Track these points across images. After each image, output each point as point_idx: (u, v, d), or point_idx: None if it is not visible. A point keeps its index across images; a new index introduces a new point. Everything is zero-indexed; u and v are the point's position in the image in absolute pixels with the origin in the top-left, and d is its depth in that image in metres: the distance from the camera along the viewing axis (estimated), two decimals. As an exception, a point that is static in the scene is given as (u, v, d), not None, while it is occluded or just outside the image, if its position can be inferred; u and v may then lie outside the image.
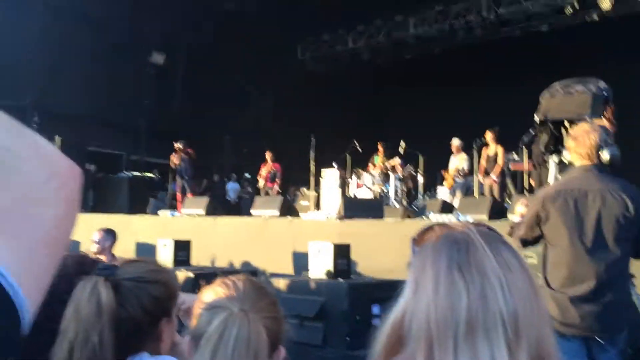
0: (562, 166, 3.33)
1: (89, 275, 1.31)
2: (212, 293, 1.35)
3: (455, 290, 0.85)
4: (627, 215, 3.02)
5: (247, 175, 16.86)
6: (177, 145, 12.15)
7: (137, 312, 1.32)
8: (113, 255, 5.03)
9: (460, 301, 0.84)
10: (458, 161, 10.95)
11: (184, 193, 11.95)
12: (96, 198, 12.45)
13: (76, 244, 9.31)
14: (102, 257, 4.92)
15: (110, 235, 5.02)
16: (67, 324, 1.25)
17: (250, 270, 6.91)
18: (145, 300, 1.34)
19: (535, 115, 4.11)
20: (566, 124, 3.85)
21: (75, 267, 1.59)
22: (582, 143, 3.13)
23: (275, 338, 1.28)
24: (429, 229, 0.98)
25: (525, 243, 3.35)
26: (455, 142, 11.04)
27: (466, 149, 10.94)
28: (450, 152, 11.36)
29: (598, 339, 3.07)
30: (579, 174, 3.13)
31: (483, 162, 10.18)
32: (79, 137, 13.18)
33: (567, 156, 3.28)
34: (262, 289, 1.37)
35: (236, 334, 1.19)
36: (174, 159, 12.07)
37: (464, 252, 0.88)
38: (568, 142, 3.21)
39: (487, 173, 10.08)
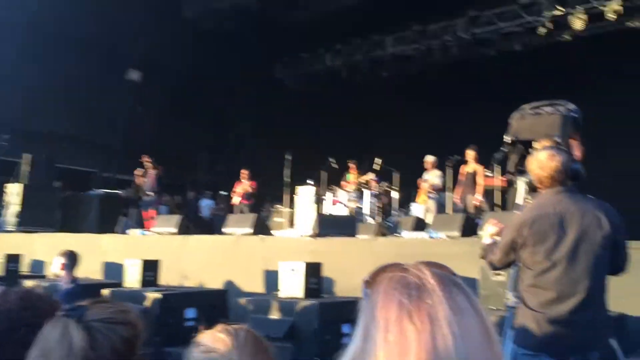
0: (531, 187, 3.31)
1: (56, 317, 1.28)
2: (210, 338, 1.33)
3: (405, 339, 0.80)
4: (603, 234, 3.03)
5: (222, 192, 16.73)
6: (144, 160, 11.89)
7: (107, 354, 1.27)
8: (74, 278, 4.87)
9: (410, 351, 0.79)
10: (431, 177, 10.97)
11: (148, 209, 11.67)
12: (65, 216, 12.19)
13: (40, 263, 9.09)
14: (63, 280, 4.77)
15: (69, 257, 4.86)
16: None
17: (219, 290, 6.77)
18: (116, 342, 1.30)
19: (505, 136, 4.13)
20: (535, 145, 3.87)
21: (19, 303, 1.52)
22: (548, 166, 3.12)
23: None
24: (381, 270, 0.92)
25: (499, 268, 3.33)
26: (429, 158, 11.09)
27: (441, 166, 10.98)
28: (425, 169, 11.39)
29: (572, 359, 3.05)
30: (552, 196, 3.13)
31: (461, 178, 10.21)
32: (49, 154, 12.95)
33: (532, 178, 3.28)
34: (262, 342, 1.39)
35: None
36: (139, 175, 11.82)
37: (416, 298, 0.83)
38: (532, 165, 3.20)
39: (466, 192, 10.06)
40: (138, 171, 11.92)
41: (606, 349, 3.61)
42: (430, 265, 0.89)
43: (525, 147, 4.04)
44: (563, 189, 3.13)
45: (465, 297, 0.85)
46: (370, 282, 0.91)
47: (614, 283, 4.35)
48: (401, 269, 0.89)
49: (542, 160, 3.16)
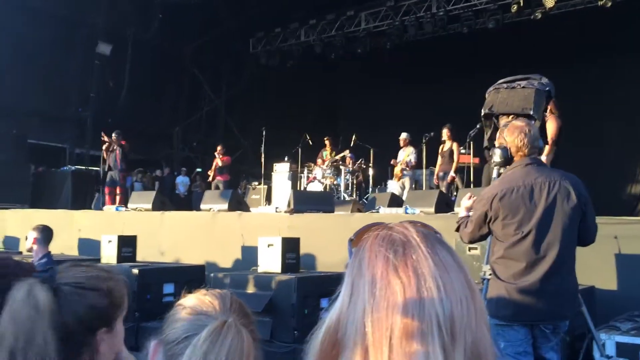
0: (504, 160, 3.37)
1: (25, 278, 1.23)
2: (196, 300, 1.23)
3: (391, 293, 0.82)
4: (572, 205, 3.12)
5: (197, 169, 16.60)
6: (104, 136, 11.53)
7: (70, 320, 1.22)
8: (49, 253, 4.81)
9: (396, 305, 0.81)
10: (405, 154, 11.05)
11: (113, 186, 11.42)
12: (38, 193, 11.97)
13: (15, 240, 8.97)
14: (35, 255, 4.71)
15: (41, 231, 4.79)
16: (3, 330, 1.17)
17: (197, 266, 6.78)
18: (81, 309, 1.25)
19: (482, 111, 4.17)
20: (509, 118, 3.92)
21: (16, 269, 1.50)
22: (528, 132, 3.20)
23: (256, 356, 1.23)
24: (366, 229, 0.94)
25: (472, 241, 3.40)
26: (403, 135, 11.14)
27: (416, 143, 11.05)
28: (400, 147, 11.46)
29: (543, 328, 3.15)
30: (520, 169, 3.20)
31: (439, 158, 10.26)
32: (20, 130, 12.64)
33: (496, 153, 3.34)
34: (245, 306, 1.30)
35: (229, 345, 1.12)
36: (105, 149, 11.49)
37: (401, 253, 0.85)
38: (512, 134, 3.26)
39: (444, 171, 10.11)
40: (105, 146, 11.55)
41: (576, 317, 3.75)
42: (414, 223, 0.92)
43: (499, 120, 4.09)
44: (531, 160, 3.21)
45: (449, 253, 0.88)
46: (356, 241, 0.93)
47: (583, 256, 4.51)
48: (386, 227, 0.91)
49: (522, 127, 3.25)
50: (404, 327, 0.80)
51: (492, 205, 3.17)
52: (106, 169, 11.65)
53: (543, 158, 5.86)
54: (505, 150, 3.29)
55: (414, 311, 0.81)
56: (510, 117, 3.87)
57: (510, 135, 3.26)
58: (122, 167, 11.50)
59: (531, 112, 3.83)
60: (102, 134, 11.55)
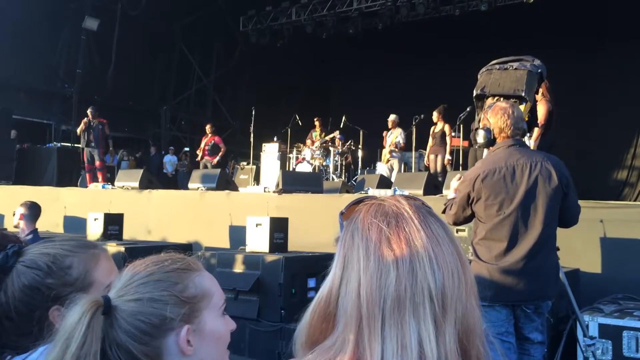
0: (487, 141, 3.38)
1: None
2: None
3: (385, 264, 0.83)
4: (553, 186, 3.13)
5: (185, 149, 16.47)
6: (88, 110, 11.29)
7: (9, 299, 1.23)
8: (36, 230, 4.76)
9: (389, 276, 0.82)
10: (394, 136, 11.03)
11: (92, 162, 11.23)
12: (22, 169, 11.83)
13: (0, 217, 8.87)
14: (21, 231, 4.66)
15: (30, 208, 4.74)
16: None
17: (184, 244, 6.76)
18: (18, 287, 1.24)
19: (474, 92, 4.15)
20: (497, 99, 3.91)
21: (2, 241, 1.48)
22: (511, 114, 3.20)
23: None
24: (358, 202, 0.94)
25: (457, 222, 3.40)
26: (392, 117, 11.11)
27: (406, 124, 11.03)
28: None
29: (525, 308, 3.17)
30: (503, 150, 3.22)
31: (430, 139, 10.24)
32: (5, 104, 12.43)
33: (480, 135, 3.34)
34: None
35: None
36: (82, 126, 11.19)
37: (394, 225, 0.86)
38: (495, 114, 3.26)
39: (435, 153, 10.10)
40: (83, 122, 11.28)
41: (561, 299, 3.79)
42: (406, 197, 0.92)
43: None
44: (514, 142, 3.22)
45: (441, 226, 0.89)
46: (347, 214, 0.93)
47: (569, 239, 4.55)
48: (378, 199, 0.92)
49: (506, 108, 3.26)
50: (397, 298, 0.81)
51: (474, 186, 3.18)
52: (82, 146, 11.35)
53: (531, 142, 5.88)
54: (488, 131, 3.29)
55: (406, 282, 0.82)
56: (500, 98, 3.86)
57: (494, 116, 3.27)
58: (103, 144, 11.31)
59: (523, 94, 3.82)
60: (89, 109, 11.31)
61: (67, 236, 1.40)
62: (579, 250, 5.07)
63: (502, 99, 3.79)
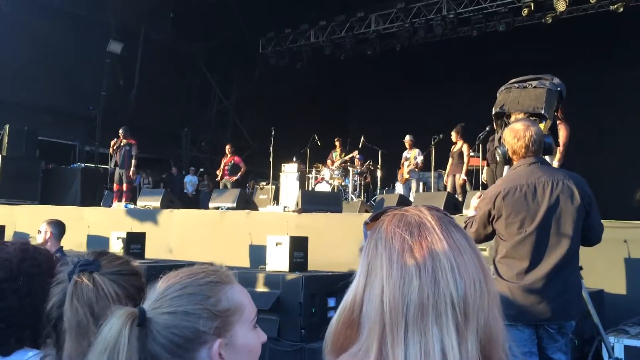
0: (506, 160, 3.36)
1: (74, 272, 1.25)
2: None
3: (408, 273, 0.85)
4: (575, 204, 3.09)
5: (200, 169, 16.62)
6: (120, 131, 11.51)
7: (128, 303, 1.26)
8: (61, 248, 4.84)
9: (412, 284, 0.84)
10: (412, 156, 11.03)
11: (120, 183, 11.42)
12: (47, 189, 12.04)
13: (24, 236, 9.02)
14: (50, 249, 4.72)
15: (57, 226, 4.82)
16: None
17: (205, 264, 6.79)
18: (133, 292, 1.28)
19: (493, 109, 4.15)
20: (519, 116, 3.91)
21: (17, 254, 1.52)
22: (523, 136, 3.18)
23: None
24: (382, 212, 0.96)
25: (478, 240, 3.37)
26: (407, 137, 11.13)
27: (425, 144, 11.02)
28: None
29: (548, 327, 3.12)
30: (524, 168, 3.18)
31: (450, 158, 10.20)
32: (30, 125, 12.72)
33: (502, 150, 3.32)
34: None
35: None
36: (112, 146, 11.43)
37: (417, 235, 0.88)
38: (508, 135, 3.24)
39: (453, 172, 10.04)
40: (113, 142, 11.54)
41: (585, 320, 3.73)
42: (429, 207, 0.95)
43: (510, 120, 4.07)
44: (535, 160, 3.18)
45: (463, 236, 0.90)
46: (371, 224, 0.95)
47: (593, 260, 4.49)
48: (401, 209, 0.94)
49: (518, 130, 3.21)
50: (420, 306, 0.83)
51: (495, 204, 3.15)
52: (112, 166, 11.62)
53: (555, 163, 5.84)
54: (505, 150, 3.28)
55: (429, 290, 0.83)
56: (521, 115, 3.85)
57: (509, 137, 3.24)
58: (128, 164, 11.49)
59: (542, 111, 3.81)
60: (120, 130, 11.53)
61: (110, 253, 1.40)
62: (602, 270, 5.00)
63: (524, 115, 3.78)
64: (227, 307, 1.08)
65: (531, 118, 3.70)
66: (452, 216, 0.95)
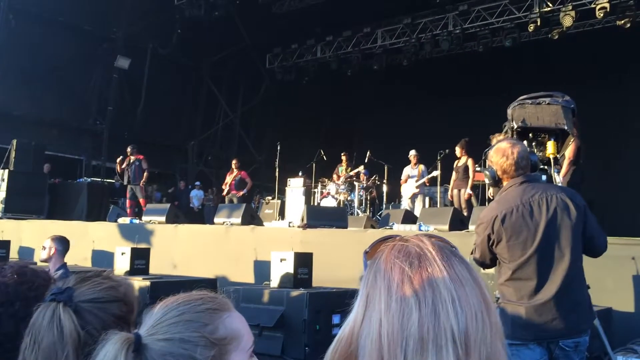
0: (494, 181, 3.31)
1: (45, 301, 1.22)
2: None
3: (407, 305, 0.82)
4: (573, 217, 3.07)
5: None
6: (128, 149, 11.72)
7: (95, 334, 1.19)
8: (65, 264, 4.84)
9: (411, 317, 0.81)
10: (418, 172, 11.01)
11: (134, 199, 11.54)
12: (53, 204, 12.08)
13: (29, 250, 9.03)
14: (51, 265, 4.73)
15: (61, 243, 4.82)
16: (27, 355, 1.17)
17: (209, 279, 6.77)
18: (108, 321, 1.25)
19: (508, 124, 4.07)
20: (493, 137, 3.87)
21: (14, 277, 1.50)
22: (511, 153, 3.15)
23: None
24: (381, 241, 0.93)
25: (485, 265, 3.33)
26: (413, 152, 11.12)
27: (431, 160, 10.99)
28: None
29: (564, 346, 3.07)
30: (515, 189, 3.15)
31: (453, 173, 10.18)
32: (38, 140, 12.81)
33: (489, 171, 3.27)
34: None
35: None
36: (120, 164, 11.63)
37: (417, 266, 0.85)
38: (495, 155, 3.19)
39: (458, 187, 10.02)
40: (120, 160, 11.73)
41: (594, 339, 3.66)
42: (429, 236, 0.92)
43: (534, 134, 3.99)
44: (524, 178, 3.15)
45: (465, 267, 0.87)
46: (371, 253, 0.92)
47: (600, 278, 4.44)
48: (402, 239, 0.91)
49: (505, 149, 3.17)
50: (419, 340, 0.80)
51: (493, 228, 3.10)
52: (124, 183, 11.77)
53: (560, 178, 5.79)
54: (493, 171, 3.23)
55: (429, 324, 0.80)
56: (499, 136, 3.81)
57: (496, 157, 3.20)
58: (139, 179, 11.63)
59: (565, 127, 3.78)
60: (128, 148, 11.71)
61: (105, 275, 1.37)
62: (610, 288, 4.93)
63: (549, 132, 3.72)
64: (225, 335, 1.05)
65: (512, 138, 3.65)
66: (454, 245, 0.92)
